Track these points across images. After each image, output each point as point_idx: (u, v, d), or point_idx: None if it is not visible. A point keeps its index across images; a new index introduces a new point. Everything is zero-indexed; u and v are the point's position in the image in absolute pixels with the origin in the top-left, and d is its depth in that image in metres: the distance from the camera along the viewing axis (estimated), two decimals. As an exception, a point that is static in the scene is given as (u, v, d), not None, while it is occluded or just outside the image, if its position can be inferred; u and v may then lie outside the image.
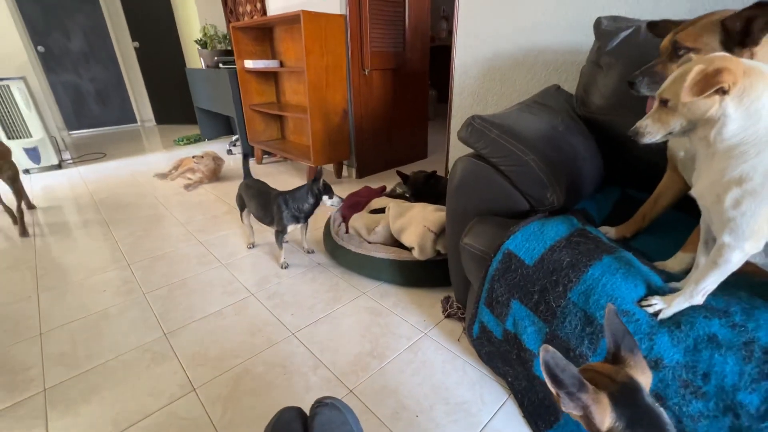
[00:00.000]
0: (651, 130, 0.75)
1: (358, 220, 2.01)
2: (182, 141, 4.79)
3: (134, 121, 6.08)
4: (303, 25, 2.67)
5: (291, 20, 2.98)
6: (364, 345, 1.42)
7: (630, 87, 0.97)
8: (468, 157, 1.29)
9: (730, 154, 0.70)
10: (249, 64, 3.46)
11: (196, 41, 4.26)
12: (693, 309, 0.82)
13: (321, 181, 1.82)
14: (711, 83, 0.65)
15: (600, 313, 0.88)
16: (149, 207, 2.82)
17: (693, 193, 0.81)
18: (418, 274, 1.72)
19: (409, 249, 1.74)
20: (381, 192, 2.53)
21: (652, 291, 0.89)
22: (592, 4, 1.62)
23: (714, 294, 0.81)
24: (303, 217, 1.89)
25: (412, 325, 1.52)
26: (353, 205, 2.28)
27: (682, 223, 1.15)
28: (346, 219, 2.13)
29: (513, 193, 1.19)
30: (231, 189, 3.16)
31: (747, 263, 0.76)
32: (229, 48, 4.16)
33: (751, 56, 0.85)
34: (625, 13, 1.48)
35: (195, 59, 5.21)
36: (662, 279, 0.93)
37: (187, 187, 3.19)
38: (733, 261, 0.74)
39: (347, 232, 2.02)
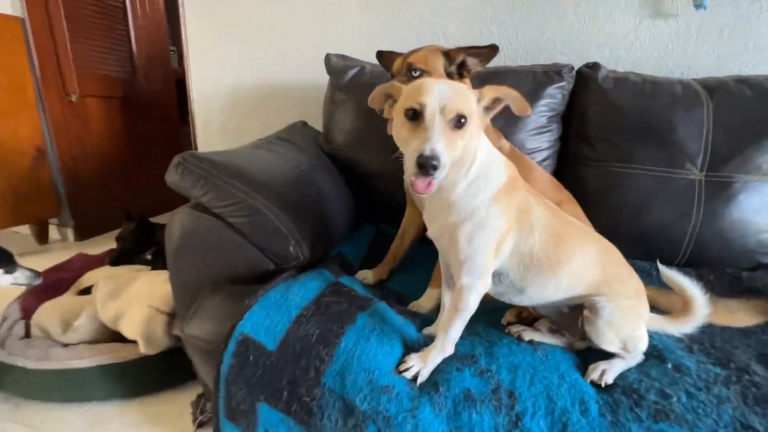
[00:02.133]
0: (445, 160, 0.57)
1: (49, 312, 1.30)
2: None
3: None
4: (-73, 18, 1.71)
5: None
6: None
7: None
8: (188, 209, 0.95)
9: (466, 192, 0.67)
10: None
11: None
12: (447, 361, 0.73)
13: None
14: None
15: (360, 395, 0.69)
16: None
17: (430, 234, 0.75)
18: (151, 375, 1.21)
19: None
20: (105, 259, 1.82)
21: (409, 347, 0.77)
22: (321, 43, 1.60)
23: (461, 336, 0.76)
24: None
25: (140, 463, 1.01)
26: (50, 287, 1.51)
27: (430, 255, 1.15)
28: (28, 313, 1.36)
29: (250, 250, 0.93)
30: None
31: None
32: None
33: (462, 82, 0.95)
34: (350, 53, 1.51)
35: None
36: (417, 327, 0.84)
37: None
38: (471, 304, 0.70)
39: (27, 336, 1.28)
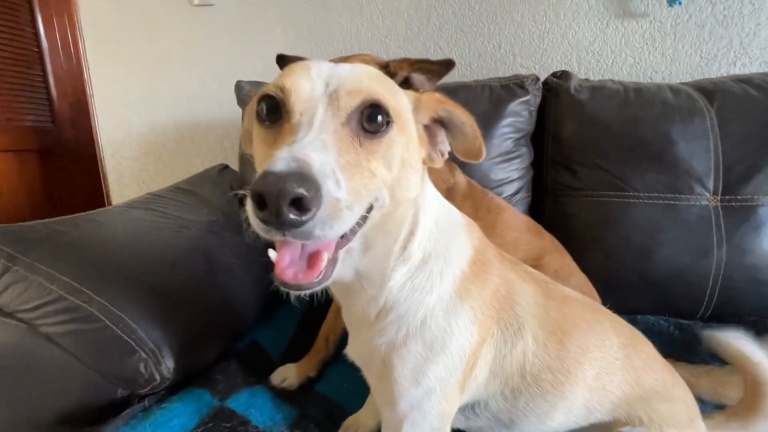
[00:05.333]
0: (329, 186, 0.29)
1: None
2: None
3: None
4: None
5: None
6: None
7: None
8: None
9: (410, 284, 0.38)
10: None
11: None
12: None
13: None
14: None
15: None
16: None
17: (350, 355, 0.47)
18: None
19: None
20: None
21: None
22: (242, 71, 1.35)
23: None
24: None
25: None
26: None
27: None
28: None
29: (81, 374, 0.60)
30: None
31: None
32: None
33: None
34: (266, 80, 1.26)
35: None
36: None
37: None
38: None
39: None
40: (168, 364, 0.60)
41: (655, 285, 0.88)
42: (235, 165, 1.33)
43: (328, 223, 0.25)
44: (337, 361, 0.83)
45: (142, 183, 1.62)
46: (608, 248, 0.92)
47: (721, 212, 0.86)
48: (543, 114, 1.04)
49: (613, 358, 0.44)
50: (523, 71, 1.26)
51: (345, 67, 0.33)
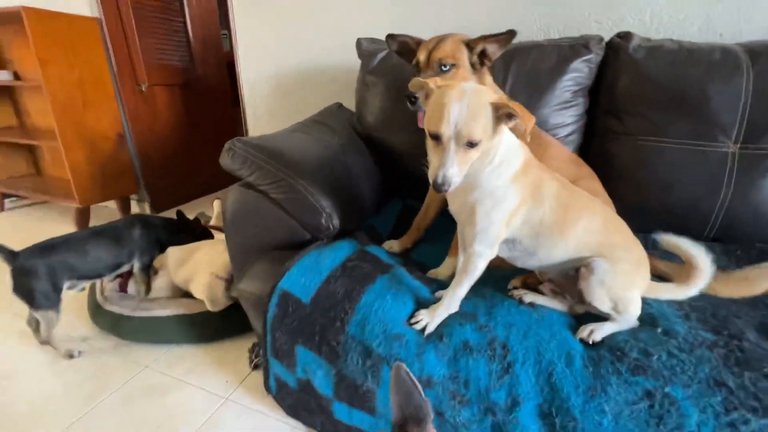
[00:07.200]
0: (456, 181, 0.68)
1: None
2: None
3: None
4: (28, 26, 2.02)
5: (12, 17, 2.23)
6: (137, 444, 1.08)
7: (410, 103, 0.95)
8: (238, 187, 1.12)
9: (490, 176, 0.75)
10: (-47, 75, 2.46)
11: None
12: (451, 317, 0.85)
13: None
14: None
15: (376, 341, 0.83)
16: None
17: (451, 209, 0.86)
18: (215, 326, 1.45)
19: (202, 297, 1.45)
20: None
21: (420, 305, 0.89)
22: (355, 26, 1.68)
23: (467, 297, 0.86)
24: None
25: (210, 392, 1.25)
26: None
27: (451, 227, 1.25)
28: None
29: (290, 222, 1.08)
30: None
31: (495, 258, 0.83)
32: None
33: (482, 72, 1.04)
34: (379, 36, 1.58)
35: None
36: (431, 290, 0.96)
37: None
38: (480, 267, 0.81)
39: (123, 290, 1.58)
40: (336, 222, 1.06)
41: (671, 212, 1.15)
42: (346, 103, 1.73)
43: (453, 183, 0.66)
44: (424, 241, 1.25)
45: (272, 114, 2.10)
46: (639, 182, 1.18)
47: (737, 157, 1.07)
48: (603, 69, 1.25)
49: (596, 224, 0.79)
50: (595, 27, 1.43)
51: (463, 114, 0.64)
